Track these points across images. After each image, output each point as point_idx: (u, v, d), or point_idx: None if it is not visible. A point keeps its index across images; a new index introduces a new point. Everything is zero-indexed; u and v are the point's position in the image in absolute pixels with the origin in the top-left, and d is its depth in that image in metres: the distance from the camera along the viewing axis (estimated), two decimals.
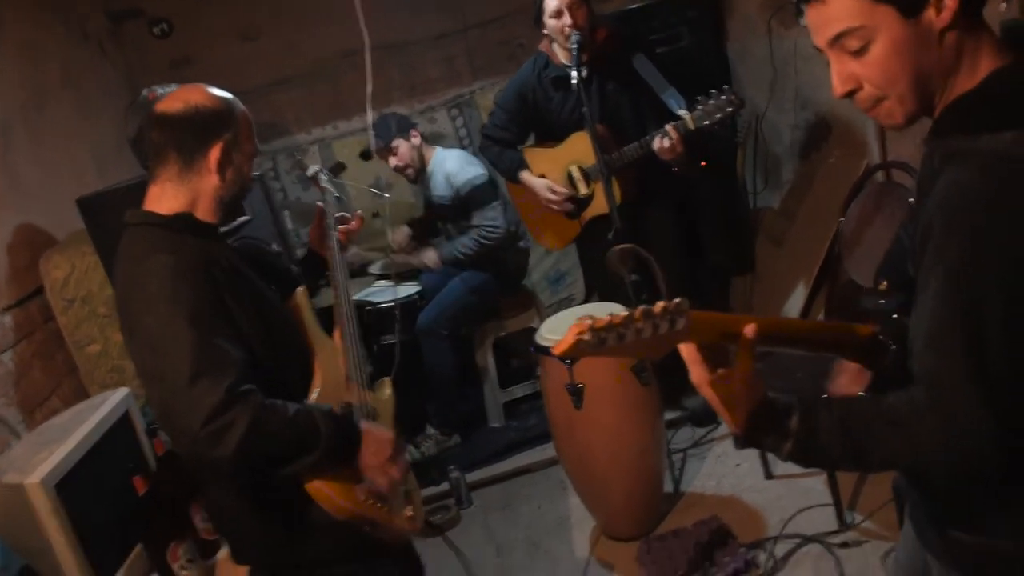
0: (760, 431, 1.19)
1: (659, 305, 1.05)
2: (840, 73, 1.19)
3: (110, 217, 1.80)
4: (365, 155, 3.90)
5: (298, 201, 4.55)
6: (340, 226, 2.21)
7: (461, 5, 4.45)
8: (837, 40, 1.16)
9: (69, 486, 1.96)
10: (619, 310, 1.06)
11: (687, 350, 1.18)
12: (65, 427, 2.16)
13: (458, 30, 4.50)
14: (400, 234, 4.20)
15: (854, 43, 1.15)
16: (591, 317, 1.03)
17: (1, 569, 1.88)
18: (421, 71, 4.56)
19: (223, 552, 2.18)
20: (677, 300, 1.07)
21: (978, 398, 1.07)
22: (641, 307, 1.05)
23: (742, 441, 1.22)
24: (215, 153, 1.74)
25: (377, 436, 1.85)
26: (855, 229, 3.02)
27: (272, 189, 4.51)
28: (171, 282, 1.64)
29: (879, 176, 3.10)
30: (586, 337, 1.01)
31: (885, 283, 1.42)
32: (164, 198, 1.76)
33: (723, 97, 2.97)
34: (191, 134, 1.73)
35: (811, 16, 1.19)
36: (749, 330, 1.19)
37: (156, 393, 1.63)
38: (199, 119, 1.73)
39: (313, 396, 1.89)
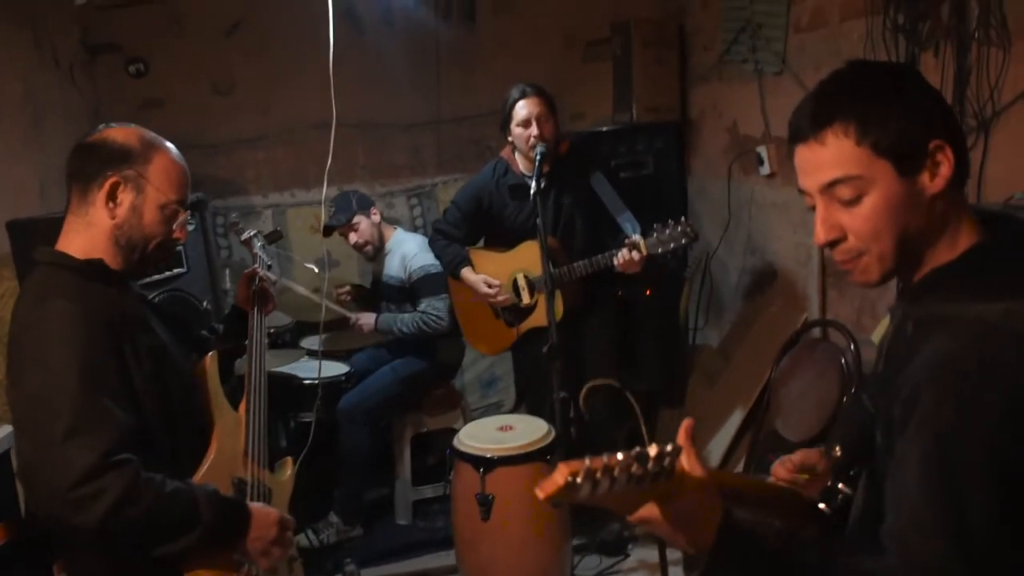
0: (729, 550, 1.08)
1: (654, 449, 0.97)
2: (826, 221, 1.17)
3: (38, 245, 1.74)
4: (327, 231, 3.82)
5: (241, 262, 4.47)
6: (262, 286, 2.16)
7: (437, 99, 4.52)
8: (831, 187, 1.14)
9: None
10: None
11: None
12: None
13: (431, 122, 4.55)
14: (343, 288, 4.13)
15: (847, 193, 1.13)
16: (587, 459, 0.91)
17: None
18: (388, 155, 4.58)
19: None
20: (670, 445, 0.99)
21: (951, 557, 1.02)
22: (636, 449, 0.95)
23: (706, 566, 1.09)
24: (106, 186, 1.69)
25: (263, 517, 1.78)
26: (785, 381, 3.03)
27: (219, 246, 4.43)
28: (68, 330, 1.56)
29: (815, 332, 3.14)
30: (579, 480, 0.89)
31: (838, 449, 1.40)
32: (70, 234, 1.72)
33: (679, 228, 2.99)
34: (89, 164, 1.70)
35: (804, 156, 1.17)
36: (687, 424, 1.12)
37: (26, 444, 1.53)
38: (101, 151, 1.70)
39: (204, 467, 1.79)
